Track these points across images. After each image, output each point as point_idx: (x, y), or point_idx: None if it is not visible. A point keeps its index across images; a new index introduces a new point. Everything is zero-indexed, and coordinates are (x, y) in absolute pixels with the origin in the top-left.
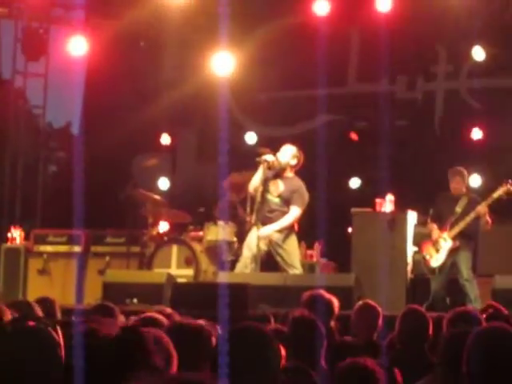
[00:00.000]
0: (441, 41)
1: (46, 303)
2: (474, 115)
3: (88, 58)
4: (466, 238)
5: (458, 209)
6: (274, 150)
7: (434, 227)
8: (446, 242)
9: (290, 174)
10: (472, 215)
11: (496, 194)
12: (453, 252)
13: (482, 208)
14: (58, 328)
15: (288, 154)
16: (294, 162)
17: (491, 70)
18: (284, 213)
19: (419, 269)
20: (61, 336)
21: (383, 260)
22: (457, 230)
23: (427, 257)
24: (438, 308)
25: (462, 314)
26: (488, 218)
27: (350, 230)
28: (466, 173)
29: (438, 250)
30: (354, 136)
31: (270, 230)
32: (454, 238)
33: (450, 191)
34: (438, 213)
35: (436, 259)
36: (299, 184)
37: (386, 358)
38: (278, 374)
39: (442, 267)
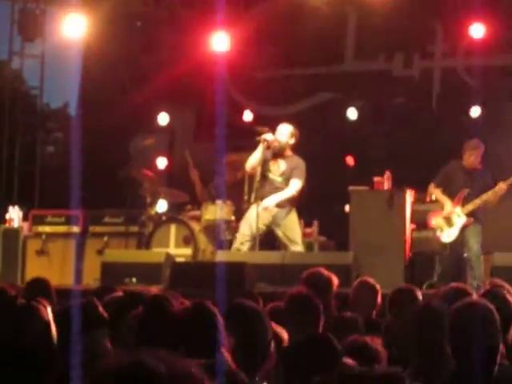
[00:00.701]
0: (438, 18)
1: (40, 284)
2: (471, 93)
3: (85, 39)
4: (478, 213)
5: (473, 184)
6: (272, 128)
7: (445, 198)
8: (459, 218)
9: (289, 152)
10: (490, 194)
11: None
12: (464, 228)
13: (502, 189)
14: (49, 307)
15: (286, 133)
16: (292, 141)
17: (488, 48)
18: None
19: (417, 246)
20: (50, 314)
21: (381, 238)
22: (471, 206)
23: (438, 231)
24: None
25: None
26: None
27: (347, 208)
28: (484, 148)
29: (450, 225)
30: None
31: (273, 201)
32: (468, 214)
33: (463, 163)
34: (448, 181)
35: (448, 234)
36: (300, 161)
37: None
38: (267, 348)
39: (453, 243)
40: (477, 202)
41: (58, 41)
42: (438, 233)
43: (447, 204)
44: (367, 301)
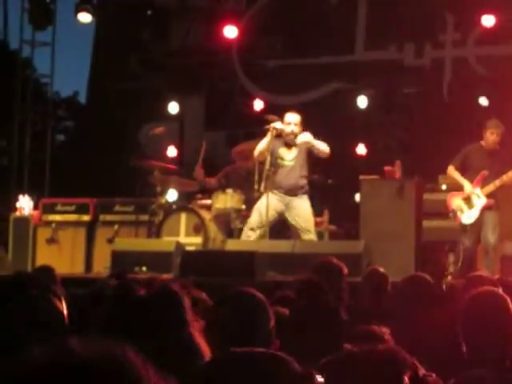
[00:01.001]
0: (449, 8)
1: (46, 272)
2: (481, 82)
3: (95, 27)
4: (498, 195)
5: (492, 165)
6: (282, 117)
7: (464, 180)
8: (479, 199)
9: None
10: (510, 175)
11: None
12: (484, 210)
13: None
14: (62, 298)
15: (298, 123)
16: (301, 128)
17: (498, 37)
18: (302, 174)
19: (427, 235)
20: (64, 305)
21: (392, 227)
22: (492, 187)
23: (458, 213)
24: (465, 268)
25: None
26: None
27: (357, 197)
28: (503, 128)
29: (470, 206)
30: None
31: (312, 139)
32: (488, 196)
33: (482, 144)
34: (467, 163)
35: (468, 216)
36: (308, 133)
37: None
38: (269, 336)
39: (473, 225)
40: (497, 183)
41: (68, 29)
42: (459, 214)
43: (466, 185)
44: (377, 290)
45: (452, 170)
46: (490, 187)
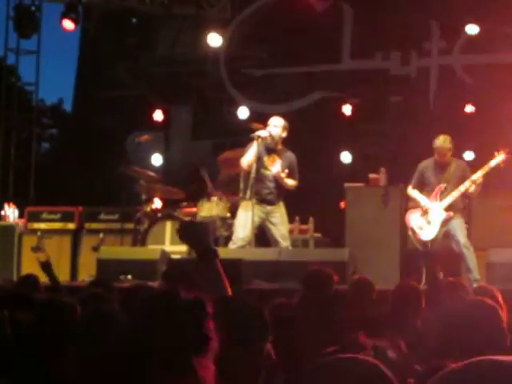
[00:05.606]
0: (434, 16)
1: (29, 280)
2: (467, 90)
3: (81, 35)
4: (458, 206)
5: (448, 176)
6: (267, 125)
7: (421, 196)
8: (438, 214)
9: (280, 146)
10: (467, 185)
11: (493, 163)
12: (445, 223)
13: (479, 178)
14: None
15: (279, 125)
16: (284, 134)
17: (483, 45)
18: (282, 186)
19: (412, 243)
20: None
21: (377, 234)
22: (450, 200)
23: (417, 230)
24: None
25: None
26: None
27: (342, 204)
28: (451, 139)
29: (429, 222)
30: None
31: (282, 177)
32: (447, 209)
33: (435, 157)
34: (423, 180)
35: (428, 232)
36: (293, 157)
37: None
38: (263, 346)
39: (434, 240)
40: (454, 194)
41: (54, 37)
42: (418, 231)
43: (423, 201)
44: (363, 298)
45: (410, 190)
46: (448, 200)
